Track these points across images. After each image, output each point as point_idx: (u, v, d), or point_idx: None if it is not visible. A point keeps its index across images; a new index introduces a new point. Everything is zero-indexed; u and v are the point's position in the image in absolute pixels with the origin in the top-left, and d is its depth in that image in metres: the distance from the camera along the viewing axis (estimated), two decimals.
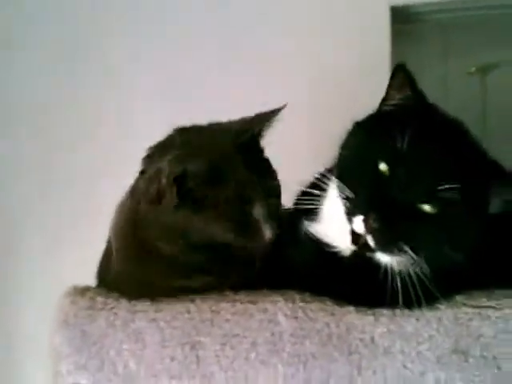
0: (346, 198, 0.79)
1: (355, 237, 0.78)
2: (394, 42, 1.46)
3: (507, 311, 0.75)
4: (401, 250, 0.74)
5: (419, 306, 0.76)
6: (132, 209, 0.87)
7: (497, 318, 0.75)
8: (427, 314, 0.77)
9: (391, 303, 0.76)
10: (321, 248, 0.84)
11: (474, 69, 1.83)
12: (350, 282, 0.80)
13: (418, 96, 0.81)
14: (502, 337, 0.74)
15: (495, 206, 0.75)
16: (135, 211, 0.86)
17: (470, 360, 0.75)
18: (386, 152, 0.76)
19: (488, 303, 0.76)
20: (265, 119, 0.89)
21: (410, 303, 0.75)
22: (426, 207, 0.73)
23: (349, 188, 0.79)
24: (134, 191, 0.90)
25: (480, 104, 1.80)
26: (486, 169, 0.75)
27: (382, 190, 0.75)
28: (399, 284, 0.74)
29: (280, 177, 0.91)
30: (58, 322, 0.85)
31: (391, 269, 0.76)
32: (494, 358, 0.75)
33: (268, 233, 0.84)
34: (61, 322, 0.85)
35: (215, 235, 0.81)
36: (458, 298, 0.77)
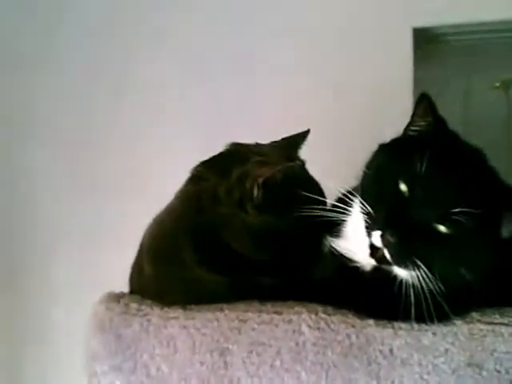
0: (367, 214, 0.84)
1: (374, 250, 0.83)
2: (416, 62, 1.49)
3: None
4: (415, 266, 0.78)
5: (431, 320, 0.80)
6: (189, 213, 0.94)
7: (509, 334, 0.79)
8: (443, 328, 0.81)
9: (405, 316, 0.80)
10: (343, 263, 0.88)
11: (498, 84, 1.86)
12: (369, 296, 0.84)
13: (439, 123, 0.86)
14: None
15: (508, 231, 0.79)
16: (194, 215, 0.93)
17: (484, 373, 0.79)
18: (406, 173, 0.81)
19: (501, 320, 0.80)
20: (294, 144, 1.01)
21: (422, 317, 0.79)
22: (441, 228, 0.78)
23: (370, 205, 0.84)
24: (190, 196, 0.97)
25: (505, 117, 1.83)
26: (500, 196, 0.79)
27: (400, 208, 0.80)
28: (413, 298, 0.78)
29: None
30: (94, 326, 0.90)
31: (407, 284, 0.80)
32: (507, 372, 0.78)
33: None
34: (96, 327, 0.90)
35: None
36: (473, 314, 0.81)
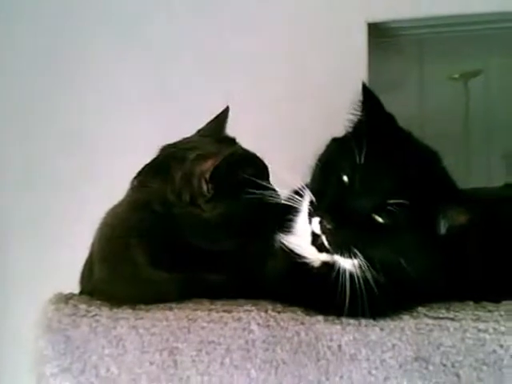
0: (311, 202, 0.85)
1: (314, 238, 0.84)
2: (371, 56, 1.49)
3: (464, 322, 0.79)
4: (352, 254, 0.79)
5: (377, 314, 0.81)
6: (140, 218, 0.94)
7: (455, 329, 0.79)
8: (391, 323, 0.81)
9: (352, 311, 0.80)
10: (292, 258, 0.88)
11: (457, 75, 1.88)
12: (316, 292, 0.85)
13: (379, 114, 0.86)
14: (460, 346, 0.79)
15: (444, 227, 0.80)
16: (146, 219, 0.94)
17: (431, 367, 0.80)
18: (347, 165, 0.82)
19: (447, 314, 0.81)
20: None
21: (368, 311, 0.79)
22: (378, 218, 0.78)
23: (314, 194, 0.85)
24: (138, 203, 0.97)
25: (464, 109, 1.85)
26: (438, 190, 0.79)
27: (340, 197, 0.81)
28: (358, 292, 0.78)
29: None
30: (43, 326, 0.89)
31: (352, 278, 0.80)
32: (453, 365, 0.79)
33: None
34: (45, 327, 0.89)
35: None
36: (420, 309, 0.82)
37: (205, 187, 0.92)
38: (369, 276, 0.78)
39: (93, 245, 0.98)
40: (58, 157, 1.65)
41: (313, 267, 0.86)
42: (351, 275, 0.80)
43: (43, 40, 1.70)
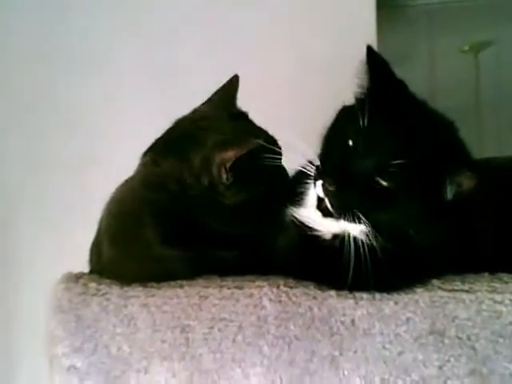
0: (316, 167, 0.84)
1: (319, 202, 0.83)
2: (380, 27, 1.46)
3: (479, 294, 0.78)
4: (356, 218, 0.78)
5: (388, 286, 0.80)
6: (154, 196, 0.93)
7: (470, 301, 0.78)
8: (405, 297, 0.80)
9: (362, 284, 0.80)
10: (303, 232, 0.87)
11: (467, 47, 1.84)
12: (327, 265, 0.83)
13: (385, 77, 0.84)
14: (475, 319, 0.78)
15: (451, 192, 0.77)
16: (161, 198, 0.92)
17: (446, 341, 0.78)
18: (352, 129, 0.81)
19: (462, 287, 0.79)
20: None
21: (373, 281, 0.79)
22: (382, 180, 0.77)
23: (320, 160, 0.85)
24: (151, 180, 0.95)
25: (474, 82, 1.81)
26: (447, 155, 0.77)
27: (343, 160, 0.80)
28: (369, 264, 0.77)
29: None
30: (53, 307, 0.88)
31: (363, 249, 0.78)
32: (469, 338, 0.78)
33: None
34: (55, 308, 0.88)
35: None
36: (434, 281, 0.81)
37: (225, 176, 0.91)
38: (377, 246, 0.77)
39: (100, 222, 0.97)
40: (61, 139, 1.64)
41: (324, 240, 0.85)
42: (361, 246, 0.78)
43: (44, 20, 1.67)
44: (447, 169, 0.77)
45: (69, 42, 1.67)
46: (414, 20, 1.57)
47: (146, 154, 0.99)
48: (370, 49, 0.85)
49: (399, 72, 0.89)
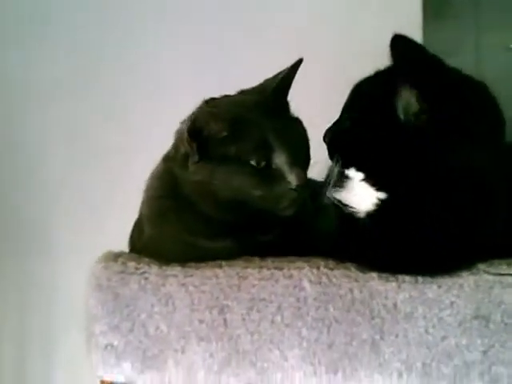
0: None
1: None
2: (426, 18, 1.46)
3: None
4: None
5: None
6: (165, 173, 0.92)
7: None
8: (449, 280, 0.78)
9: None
10: (341, 212, 0.86)
11: None
12: (363, 243, 0.83)
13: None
14: None
15: (402, 112, 0.81)
16: (169, 175, 0.91)
17: (491, 326, 0.77)
18: None
19: (508, 270, 0.77)
20: (284, 75, 0.92)
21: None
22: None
23: None
24: (166, 158, 0.94)
25: None
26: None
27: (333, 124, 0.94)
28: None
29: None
30: (92, 285, 0.88)
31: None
32: None
33: (293, 179, 0.84)
34: (94, 286, 0.88)
35: (240, 189, 0.84)
36: (480, 265, 0.79)
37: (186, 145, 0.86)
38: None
39: (142, 204, 0.97)
40: (98, 129, 1.66)
41: (358, 218, 0.84)
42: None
43: (84, 17, 1.70)
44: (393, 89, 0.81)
45: (106, 38, 1.68)
46: (460, 14, 1.54)
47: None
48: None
49: None
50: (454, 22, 1.54)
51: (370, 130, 0.83)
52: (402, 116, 0.81)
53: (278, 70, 0.94)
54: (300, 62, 0.92)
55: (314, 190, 0.91)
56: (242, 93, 0.96)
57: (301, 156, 0.88)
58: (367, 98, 0.86)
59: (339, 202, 0.86)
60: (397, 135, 0.80)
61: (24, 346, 1.73)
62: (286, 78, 0.92)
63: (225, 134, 0.84)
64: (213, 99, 0.90)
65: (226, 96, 0.94)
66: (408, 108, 0.80)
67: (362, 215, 0.84)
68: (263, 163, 0.84)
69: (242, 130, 0.84)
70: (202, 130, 0.84)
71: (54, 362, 1.74)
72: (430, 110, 0.79)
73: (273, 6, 1.63)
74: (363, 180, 0.85)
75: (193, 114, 0.87)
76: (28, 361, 1.75)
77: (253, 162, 0.84)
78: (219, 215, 0.86)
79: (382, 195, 0.82)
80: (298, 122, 0.93)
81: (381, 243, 0.80)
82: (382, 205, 0.82)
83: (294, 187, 0.84)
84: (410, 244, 0.78)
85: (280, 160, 0.85)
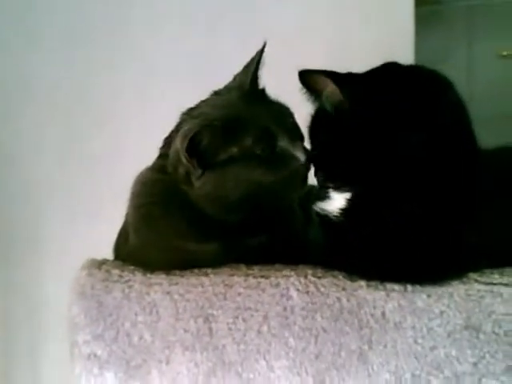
0: None
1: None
2: (418, 24, 1.44)
3: None
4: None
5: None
6: (154, 182, 0.91)
7: (509, 295, 0.74)
8: (438, 289, 0.76)
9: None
10: (325, 220, 0.85)
11: (505, 52, 1.78)
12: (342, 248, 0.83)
13: None
14: None
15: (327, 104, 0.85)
16: (159, 183, 0.90)
17: (481, 336, 0.75)
18: None
19: (500, 280, 0.76)
20: (255, 65, 0.92)
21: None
22: None
23: None
24: (155, 168, 0.93)
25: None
26: None
27: None
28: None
29: None
30: (75, 293, 0.87)
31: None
32: (506, 334, 0.74)
33: (300, 154, 0.85)
34: (78, 294, 0.86)
35: (252, 183, 0.83)
36: (471, 274, 0.77)
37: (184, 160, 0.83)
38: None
39: (127, 213, 0.95)
40: (91, 132, 1.64)
41: (336, 223, 0.83)
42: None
43: (78, 15, 1.69)
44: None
45: (103, 36, 1.67)
46: (452, 20, 1.54)
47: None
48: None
49: None
50: (445, 30, 1.53)
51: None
52: (328, 107, 0.84)
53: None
54: (264, 46, 0.92)
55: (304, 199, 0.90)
56: (216, 94, 0.95)
57: (296, 132, 0.90)
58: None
59: (321, 210, 0.84)
60: (330, 127, 0.83)
61: (8, 355, 1.71)
62: (257, 68, 0.92)
63: (222, 139, 0.83)
64: (192, 109, 0.89)
65: (203, 101, 0.92)
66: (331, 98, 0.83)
67: (337, 219, 0.83)
68: (268, 150, 0.84)
69: (237, 129, 0.84)
70: (198, 144, 0.82)
71: (39, 371, 1.72)
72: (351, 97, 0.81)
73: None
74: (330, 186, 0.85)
75: (181, 130, 0.85)
76: (13, 371, 1.73)
77: (258, 152, 0.84)
78: (231, 217, 0.85)
79: (346, 195, 0.82)
80: (281, 104, 0.93)
81: (355, 245, 0.79)
82: (349, 205, 0.81)
83: (302, 162, 0.85)
84: (381, 242, 0.78)
85: (283, 142, 0.85)
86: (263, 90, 0.94)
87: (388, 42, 1.42)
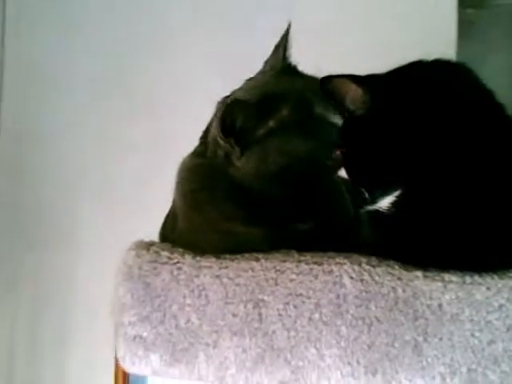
0: None
1: None
2: (460, 27, 1.43)
3: None
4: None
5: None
6: (198, 167, 0.91)
7: None
8: (498, 282, 0.75)
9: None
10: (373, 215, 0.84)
11: None
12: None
13: None
14: None
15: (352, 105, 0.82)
16: (203, 168, 0.90)
17: None
18: None
19: None
20: (284, 45, 0.94)
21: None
22: None
23: None
24: (196, 154, 0.93)
25: None
26: None
27: None
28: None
29: None
30: (122, 274, 0.86)
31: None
32: None
33: (337, 119, 0.85)
34: (125, 274, 0.86)
35: (293, 152, 0.83)
36: None
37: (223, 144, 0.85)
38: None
39: (175, 197, 0.95)
40: (130, 121, 1.65)
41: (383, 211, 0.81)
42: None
43: (118, 9, 1.70)
44: None
45: (141, 29, 1.68)
46: (495, 22, 1.52)
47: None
48: None
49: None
50: (488, 33, 1.51)
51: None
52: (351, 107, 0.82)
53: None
54: (289, 27, 0.94)
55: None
56: (251, 79, 0.96)
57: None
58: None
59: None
60: (362, 131, 0.82)
61: (37, 339, 1.71)
62: (285, 48, 0.94)
63: (257, 115, 0.83)
64: (227, 97, 0.90)
65: (238, 88, 0.93)
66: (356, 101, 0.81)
67: (389, 211, 0.81)
68: (305, 117, 0.85)
69: (272, 102, 0.84)
70: (233, 124, 0.82)
71: (69, 354, 1.71)
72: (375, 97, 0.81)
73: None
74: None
75: (218, 115, 0.87)
76: (43, 352, 1.72)
77: (296, 119, 0.84)
78: (276, 192, 0.85)
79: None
80: (314, 77, 0.91)
81: (411, 234, 0.77)
82: (400, 197, 0.79)
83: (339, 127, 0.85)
84: (439, 230, 0.76)
85: (319, 108, 0.86)
86: (295, 66, 0.95)
87: (429, 46, 1.40)
